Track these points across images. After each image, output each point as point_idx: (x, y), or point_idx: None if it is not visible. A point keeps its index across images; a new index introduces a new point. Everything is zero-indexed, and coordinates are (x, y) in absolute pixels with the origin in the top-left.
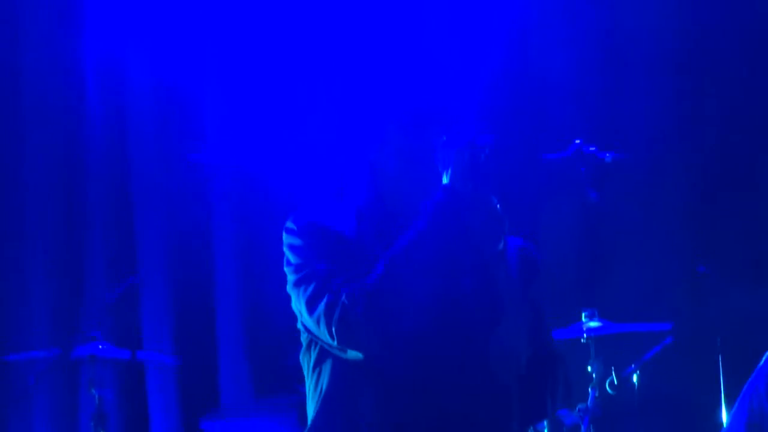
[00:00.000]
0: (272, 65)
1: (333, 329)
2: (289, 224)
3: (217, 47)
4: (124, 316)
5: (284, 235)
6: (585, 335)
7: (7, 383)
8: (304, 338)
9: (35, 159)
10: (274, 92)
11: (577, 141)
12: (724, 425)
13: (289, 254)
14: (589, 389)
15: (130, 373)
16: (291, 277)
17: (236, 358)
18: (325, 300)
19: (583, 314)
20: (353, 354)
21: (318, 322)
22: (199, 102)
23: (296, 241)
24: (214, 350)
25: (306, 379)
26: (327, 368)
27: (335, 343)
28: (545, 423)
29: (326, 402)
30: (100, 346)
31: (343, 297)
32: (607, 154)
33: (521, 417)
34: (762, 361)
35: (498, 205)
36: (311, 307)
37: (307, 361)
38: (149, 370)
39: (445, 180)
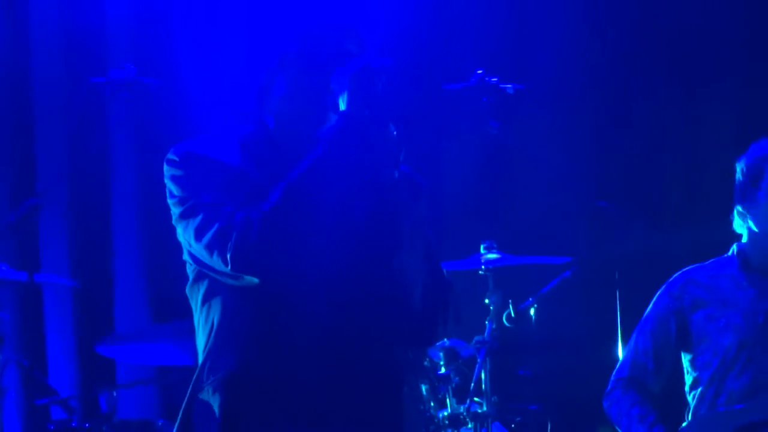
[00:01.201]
0: None
1: (228, 255)
2: (170, 155)
3: None
4: (23, 237)
5: (165, 167)
6: (483, 267)
7: None
8: (190, 271)
9: None
10: (178, 12)
11: (479, 71)
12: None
13: (171, 186)
14: (486, 321)
15: (28, 295)
16: (176, 210)
17: (133, 282)
18: (217, 226)
19: (482, 246)
20: (247, 281)
21: (210, 250)
22: (104, 24)
23: (178, 172)
24: (112, 274)
25: (194, 312)
26: (218, 300)
27: (230, 269)
28: (441, 355)
29: (219, 334)
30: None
31: (239, 222)
32: (509, 86)
33: (410, 342)
34: (653, 301)
35: (395, 132)
36: (201, 236)
37: (195, 295)
38: (47, 292)
39: (342, 107)
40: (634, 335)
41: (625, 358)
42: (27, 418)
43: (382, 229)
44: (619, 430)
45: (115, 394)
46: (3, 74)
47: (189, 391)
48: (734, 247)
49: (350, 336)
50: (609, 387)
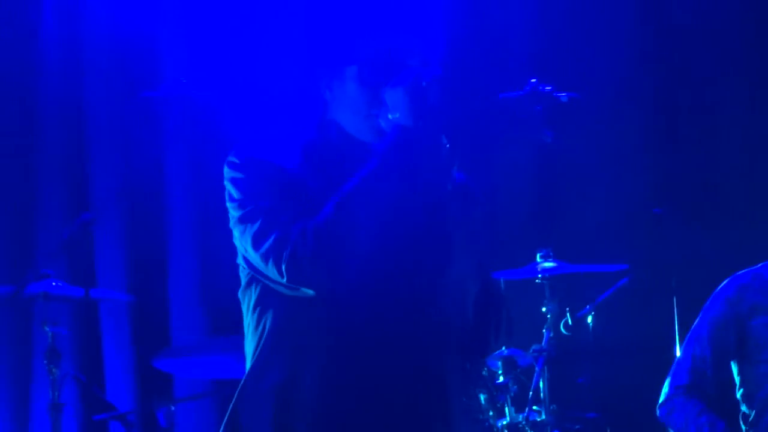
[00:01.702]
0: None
1: (283, 266)
2: (232, 158)
3: None
4: (78, 253)
5: (226, 170)
6: (540, 275)
7: None
8: (243, 275)
9: None
10: (228, 26)
11: (533, 80)
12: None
13: (231, 189)
14: (544, 330)
15: (84, 311)
16: (234, 213)
17: (189, 296)
18: (274, 236)
19: (538, 255)
20: (302, 292)
21: (266, 259)
22: (155, 38)
23: (239, 175)
24: (168, 288)
25: (245, 317)
26: (270, 306)
27: (285, 280)
28: (499, 364)
29: (269, 340)
30: (54, 284)
31: (294, 234)
32: (563, 94)
33: (463, 353)
34: (705, 307)
35: (447, 144)
36: (258, 244)
37: (247, 299)
38: (103, 307)
39: (396, 119)
40: (688, 342)
41: (681, 365)
42: None
43: (435, 242)
44: None
45: (172, 408)
46: (57, 91)
47: (236, 396)
48: None
49: (403, 348)
50: (667, 394)
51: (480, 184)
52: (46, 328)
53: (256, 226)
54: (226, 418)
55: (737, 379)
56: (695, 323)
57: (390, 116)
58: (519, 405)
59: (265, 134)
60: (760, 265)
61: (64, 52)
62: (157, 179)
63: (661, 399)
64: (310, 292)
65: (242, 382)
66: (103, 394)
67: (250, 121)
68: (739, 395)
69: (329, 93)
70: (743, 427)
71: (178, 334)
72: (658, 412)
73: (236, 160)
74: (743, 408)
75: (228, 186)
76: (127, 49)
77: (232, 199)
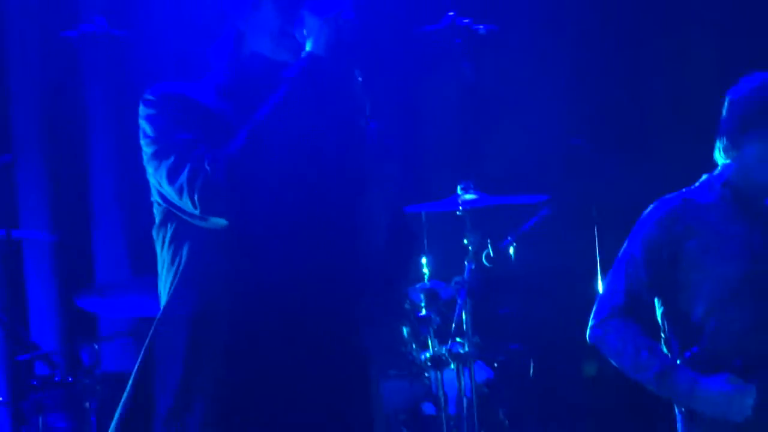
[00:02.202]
0: None
1: (196, 197)
2: (147, 96)
3: None
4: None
5: (141, 107)
6: (461, 208)
7: None
8: (158, 212)
9: None
10: None
11: (451, 13)
12: (600, 294)
13: (145, 126)
14: (466, 262)
15: (7, 251)
16: (148, 149)
17: (112, 234)
18: (187, 168)
19: (459, 187)
20: (215, 222)
21: (180, 192)
22: None
23: (153, 112)
24: (90, 227)
25: (159, 254)
26: (185, 241)
27: (198, 211)
28: (421, 296)
29: (184, 275)
30: None
31: (206, 164)
32: (481, 26)
33: (375, 283)
34: (635, 231)
35: (360, 80)
36: (173, 177)
37: (162, 236)
38: (26, 247)
39: (308, 49)
40: (619, 265)
41: (615, 287)
42: (9, 373)
43: (346, 173)
44: (617, 359)
45: (96, 347)
46: None
47: (151, 331)
48: (707, 177)
49: (316, 280)
50: (601, 316)
51: (393, 129)
52: None
53: (170, 160)
54: (142, 353)
55: (659, 303)
56: (624, 247)
57: (304, 33)
58: (442, 337)
59: (178, 66)
60: (685, 189)
61: None
62: (78, 119)
63: (593, 321)
64: (223, 222)
65: (158, 317)
66: (26, 334)
67: (166, 60)
68: (660, 318)
69: (243, 22)
70: (678, 337)
71: (101, 272)
72: (589, 334)
73: (151, 97)
74: (681, 326)
75: (142, 123)
76: None
77: (146, 136)
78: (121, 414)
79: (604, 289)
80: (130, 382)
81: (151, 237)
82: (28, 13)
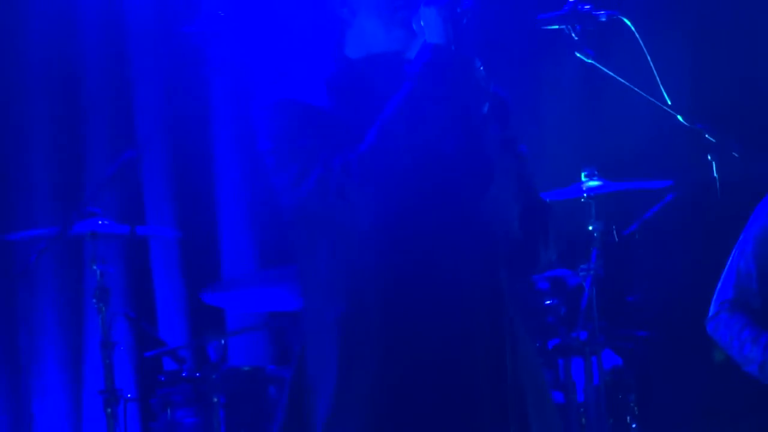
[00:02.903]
0: None
1: (328, 200)
2: (261, 103)
3: None
4: (125, 190)
5: (257, 116)
6: (585, 194)
7: (9, 262)
8: (290, 216)
9: (34, 35)
10: None
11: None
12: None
13: (265, 134)
14: (591, 249)
15: (134, 248)
16: (271, 158)
17: (239, 228)
18: (316, 173)
19: (583, 174)
20: (349, 223)
21: (310, 197)
22: None
23: (271, 120)
24: (217, 221)
25: (297, 255)
26: (321, 243)
27: (330, 213)
28: (548, 285)
29: (325, 276)
30: (101, 222)
31: (337, 166)
32: (602, 12)
33: (513, 269)
34: (749, 222)
35: (481, 67)
36: (300, 183)
37: (298, 240)
38: (153, 243)
39: (428, 40)
40: (733, 257)
41: (726, 280)
42: (138, 370)
43: (474, 163)
44: (729, 352)
45: (223, 342)
46: (99, 29)
47: (300, 334)
48: None
49: (456, 268)
50: (713, 311)
51: (516, 102)
52: (95, 267)
53: (297, 166)
54: (295, 355)
55: None
56: (740, 237)
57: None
58: (569, 325)
59: (289, 72)
60: None
61: None
62: (201, 112)
63: (709, 314)
64: (357, 222)
65: (303, 320)
66: (154, 330)
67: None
68: None
69: (347, 9)
70: None
71: (227, 267)
72: (707, 327)
73: (266, 105)
74: None
75: (261, 132)
76: None
77: (267, 145)
78: (281, 420)
79: (720, 282)
80: (287, 385)
81: (276, 229)
82: (148, 10)
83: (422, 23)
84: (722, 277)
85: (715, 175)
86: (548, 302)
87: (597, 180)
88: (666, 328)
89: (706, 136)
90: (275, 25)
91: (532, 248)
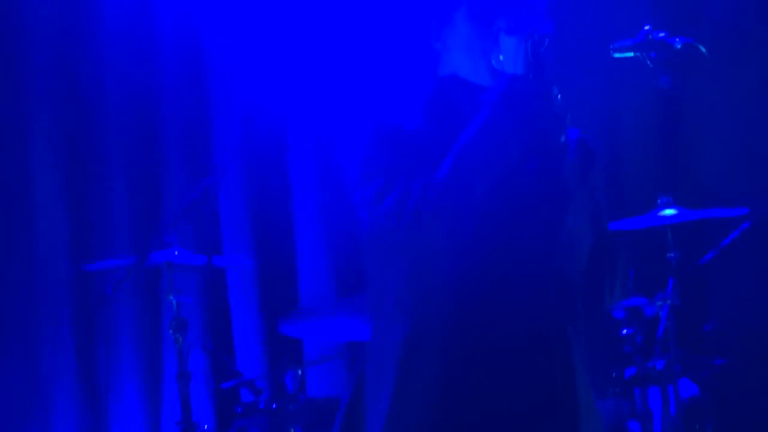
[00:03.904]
0: None
1: (406, 223)
2: (351, 120)
3: None
4: (201, 219)
5: (344, 132)
6: (661, 224)
7: (87, 293)
8: (366, 233)
9: (112, 65)
10: None
11: (647, 27)
12: None
13: (353, 150)
14: (668, 278)
15: (210, 278)
16: (354, 173)
17: (316, 257)
18: (396, 193)
19: (659, 202)
20: (424, 246)
21: (388, 217)
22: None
23: (359, 137)
24: (294, 250)
25: (368, 274)
26: (393, 262)
27: (407, 236)
28: (624, 314)
29: (393, 296)
30: (177, 252)
31: (416, 190)
32: (677, 39)
33: (579, 303)
34: None
35: (559, 96)
36: (380, 202)
37: (370, 256)
38: (230, 273)
39: (506, 68)
40: None
41: None
42: (215, 402)
43: (551, 192)
44: None
45: (301, 372)
46: (176, 57)
47: (364, 351)
48: None
49: (522, 300)
50: None
51: (594, 138)
52: (171, 298)
53: (378, 184)
54: (353, 378)
55: None
56: None
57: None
58: (646, 354)
59: (382, 94)
60: None
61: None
62: (279, 141)
63: None
64: (430, 248)
65: (370, 338)
66: (231, 361)
67: (364, 80)
68: None
69: (440, 43)
70: None
71: (305, 296)
72: None
73: (356, 122)
74: None
75: (349, 147)
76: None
77: (353, 160)
78: None
79: None
80: (341, 409)
81: (355, 259)
82: (226, 38)
83: (501, 56)
84: None
85: None
86: (625, 331)
87: (673, 208)
88: (743, 356)
89: None
90: (369, 52)
91: (597, 287)
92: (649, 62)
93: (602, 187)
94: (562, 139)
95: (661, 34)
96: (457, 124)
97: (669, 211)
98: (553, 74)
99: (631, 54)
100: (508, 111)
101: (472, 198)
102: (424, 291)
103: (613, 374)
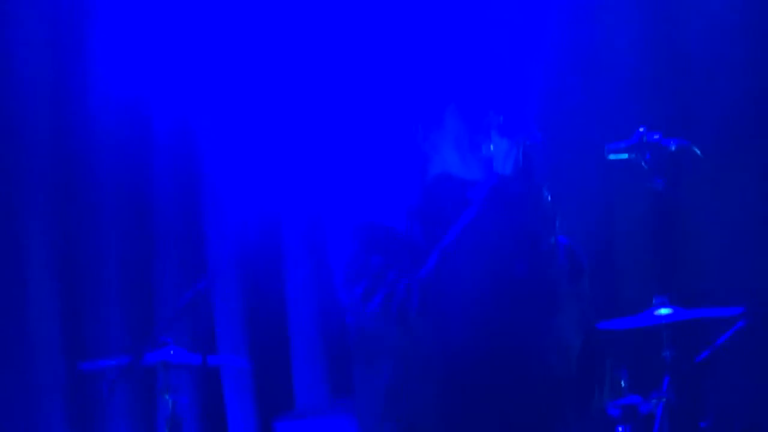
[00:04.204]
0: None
1: (391, 323)
2: (342, 223)
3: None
4: (196, 320)
5: (337, 233)
6: (656, 323)
7: (82, 392)
8: (353, 333)
9: (106, 164)
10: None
11: (641, 129)
12: None
13: (340, 252)
14: (663, 376)
15: (205, 377)
16: (341, 274)
17: (311, 358)
18: (381, 293)
19: (654, 301)
20: (408, 350)
21: (375, 317)
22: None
23: (348, 239)
24: (288, 351)
25: (356, 373)
26: (381, 361)
27: (393, 336)
28: (619, 412)
29: (382, 395)
30: (172, 352)
31: (400, 289)
32: (672, 141)
33: (565, 406)
34: None
35: (549, 200)
36: (366, 302)
37: (358, 356)
38: (223, 373)
39: (496, 169)
40: None
41: None
42: None
43: (538, 294)
44: None
45: None
46: (169, 158)
47: None
48: None
49: (508, 401)
50: None
51: (583, 245)
52: (167, 397)
53: (363, 284)
54: None
55: None
56: None
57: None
58: None
59: (371, 195)
60: None
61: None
62: (273, 241)
63: None
64: (416, 347)
65: None
66: None
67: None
68: None
69: (428, 143)
70: None
71: (301, 396)
72: None
73: (345, 225)
74: None
75: (337, 249)
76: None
77: (339, 261)
78: None
79: None
80: None
81: (350, 358)
82: (220, 139)
83: (492, 150)
84: None
85: None
86: (620, 429)
87: (668, 308)
88: None
89: None
90: (353, 152)
91: (587, 387)
92: (644, 164)
93: (588, 288)
94: (552, 240)
95: (656, 136)
96: (444, 223)
97: (664, 311)
98: (543, 177)
99: (626, 156)
100: (496, 209)
101: (459, 297)
102: (413, 394)
103: None
